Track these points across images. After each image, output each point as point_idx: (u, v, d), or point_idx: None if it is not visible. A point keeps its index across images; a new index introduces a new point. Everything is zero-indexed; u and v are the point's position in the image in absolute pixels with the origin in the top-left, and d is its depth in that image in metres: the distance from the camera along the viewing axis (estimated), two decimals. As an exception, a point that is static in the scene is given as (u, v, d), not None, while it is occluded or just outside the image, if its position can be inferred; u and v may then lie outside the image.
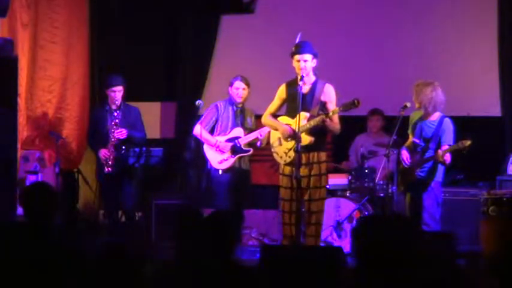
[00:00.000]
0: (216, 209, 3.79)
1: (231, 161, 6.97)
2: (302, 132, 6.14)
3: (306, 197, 6.24)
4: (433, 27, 8.51)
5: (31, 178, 7.45)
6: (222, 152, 6.95)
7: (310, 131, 6.19)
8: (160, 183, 8.35)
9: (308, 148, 6.19)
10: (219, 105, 7.07)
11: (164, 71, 9.27)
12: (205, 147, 7.04)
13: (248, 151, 7.00)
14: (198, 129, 7.05)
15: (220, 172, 6.96)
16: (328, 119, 6.11)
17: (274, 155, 6.49)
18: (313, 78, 6.31)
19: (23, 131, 7.68)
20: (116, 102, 7.19)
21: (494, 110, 8.29)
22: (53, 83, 8.12)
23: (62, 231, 4.20)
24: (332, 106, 6.24)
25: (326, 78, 6.49)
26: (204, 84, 8.85)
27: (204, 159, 7.05)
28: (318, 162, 6.25)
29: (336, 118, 6.21)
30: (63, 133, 8.12)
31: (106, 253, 3.08)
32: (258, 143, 7.00)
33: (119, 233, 7.17)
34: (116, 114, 7.19)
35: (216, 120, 7.05)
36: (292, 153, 6.24)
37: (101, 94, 7.38)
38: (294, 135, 6.13)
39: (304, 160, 6.20)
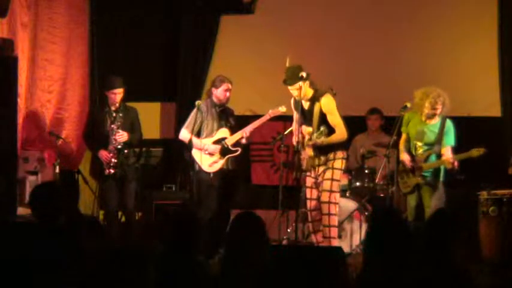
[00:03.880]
0: (241, 211, 3.81)
1: (221, 163, 6.99)
2: (306, 145, 6.39)
3: (320, 188, 6.45)
4: (433, 27, 8.51)
5: (31, 178, 7.44)
6: (211, 154, 6.96)
7: (313, 146, 6.37)
8: (160, 183, 8.34)
9: (326, 150, 6.39)
10: (201, 107, 7.07)
11: (164, 71, 9.26)
12: (193, 151, 7.04)
13: (237, 151, 7.02)
14: (184, 134, 7.08)
15: (211, 175, 6.96)
16: (318, 141, 6.27)
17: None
18: (310, 93, 6.40)
19: (23, 131, 7.67)
20: (116, 104, 7.18)
21: (494, 110, 8.29)
22: (52, 83, 8.11)
23: (71, 230, 4.19)
24: (331, 117, 6.37)
25: (326, 78, 6.50)
26: (204, 84, 8.84)
27: (192, 163, 7.06)
28: (333, 158, 6.44)
29: (338, 128, 6.36)
30: (63, 133, 8.11)
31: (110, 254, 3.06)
32: (244, 141, 7.03)
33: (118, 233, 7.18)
34: (116, 116, 7.18)
35: (201, 123, 7.05)
36: (304, 161, 6.46)
37: (101, 95, 7.37)
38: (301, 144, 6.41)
39: (322, 160, 6.42)
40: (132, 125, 7.23)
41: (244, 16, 8.94)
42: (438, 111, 6.47)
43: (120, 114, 7.14)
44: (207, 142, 7.00)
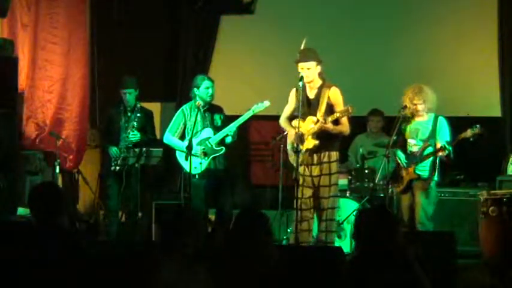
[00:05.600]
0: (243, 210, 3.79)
1: (206, 163, 6.90)
2: (308, 135, 6.25)
3: (318, 195, 6.35)
4: (434, 27, 8.52)
5: (31, 178, 7.45)
6: (195, 156, 6.84)
7: (317, 135, 6.25)
8: (160, 183, 8.35)
9: (319, 148, 6.28)
10: (185, 109, 7.05)
11: (164, 71, 9.27)
12: (178, 154, 7.00)
13: (220, 150, 6.94)
14: (167, 137, 7.06)
15: (196, 177, 6.87)
16: (329, 125, 6.15)
17: (290, 157, 6.55)
18: (319, 82, 6.36)
19: (23, 131, 7.68)
20: (129, 103, 7.27)
21: (494, 110, 8.30)
22: (53, 83, 8.12)
23: (71, 231, 4.19)
24: (338, 109, 6.26)
25: (326, 78, 6.50)
26: (204, 84, 8.84)
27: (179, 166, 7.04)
28: (328, 161, 6.33)
29: (344, 120, 6.26)
30: (63, 133, 8.11)
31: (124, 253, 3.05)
32: (229, 139, 6.96)
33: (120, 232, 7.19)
34: (131, 115, 7.26)
35: (185, 125, 7.01)
36: (302, 155, 6.31)
37: (117, 94, 7.44)
38: (299, 139, 6.23)
39: (315, 160, 6.31)
40: (143, 125, 7.29)
41: (244, 16, 8.95)
42: (420, 107, 6.48)
43: (138, 115, 7.21)
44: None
